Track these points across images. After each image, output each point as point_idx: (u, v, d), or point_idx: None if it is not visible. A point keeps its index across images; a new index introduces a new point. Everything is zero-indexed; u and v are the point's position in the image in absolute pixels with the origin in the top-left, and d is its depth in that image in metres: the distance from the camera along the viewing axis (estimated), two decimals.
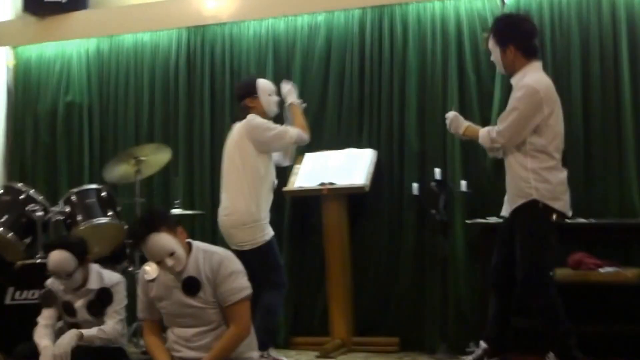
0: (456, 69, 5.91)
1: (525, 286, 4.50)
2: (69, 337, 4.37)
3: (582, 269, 5.17)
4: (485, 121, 5.76)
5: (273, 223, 6.22)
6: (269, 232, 5.36)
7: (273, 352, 5.34)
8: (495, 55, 4.72)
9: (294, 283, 6.22)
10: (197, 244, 4.09)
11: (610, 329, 5.17)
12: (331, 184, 5.91)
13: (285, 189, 6.09)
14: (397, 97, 6.08)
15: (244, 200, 5.27)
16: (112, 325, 4.49)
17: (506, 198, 4.72)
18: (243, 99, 5.48)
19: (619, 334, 5.19)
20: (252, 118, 5.38)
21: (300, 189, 6.04)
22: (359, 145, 6.14)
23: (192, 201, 6.63)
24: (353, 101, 6.22)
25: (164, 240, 3.91)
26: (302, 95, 6.31)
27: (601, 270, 5.13)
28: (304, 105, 5.68)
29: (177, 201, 6.22)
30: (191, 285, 3.96)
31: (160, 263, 3.96)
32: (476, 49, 5.87)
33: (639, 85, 5.48)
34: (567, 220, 5.29)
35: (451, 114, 4.95)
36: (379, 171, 6.03)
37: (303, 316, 6.26)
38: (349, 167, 5.98)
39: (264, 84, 5.56)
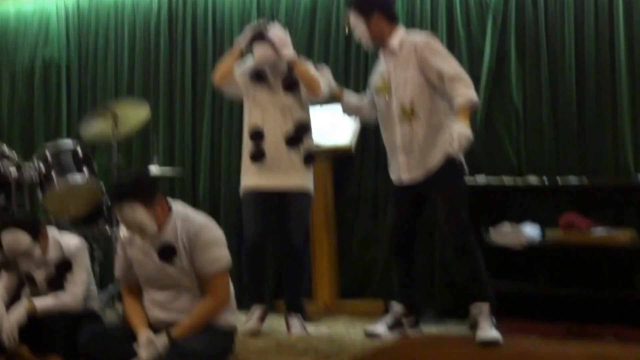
0: (446, 25, 5.73)
1: (460, 243, 4.52)
2: (18, 313, 4.26)
3: (573, 230, 5.01)
4: (474, 79, 5.57)
5: None
6: (242, 187, 5.03)
7: (252, 315, 5.08)
8: (360, 28, 4.71)
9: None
10: (177, 209, 3.97)
11: (601, 293, 5.02)
12: (315, 144, 5.73)
13: None
14: None
15: None
16: (72, 292, 4.35)
17: (411, 162, 4.62)
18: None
19: (610, 297, 5.04)
20: None
21: None
22: None
23: (172, 159, 6.47)
24: (339, 58, 6.04)
25: (135, 214, 3.80)
26: None
27: (593, 231, 4.96)
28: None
29: (156, 158, 6.04)
30: (167, 252, 3.88)
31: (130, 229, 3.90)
32: (466, 4, 5.69)
33: (634, 42, 5.30)
34: (559, 179, 5.20)
35: (455, 135, 4.34)
36: (365, 130, 5.85)
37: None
38: (334, 126, 5.80)
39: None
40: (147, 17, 6.69)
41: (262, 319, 5.03)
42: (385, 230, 5.77)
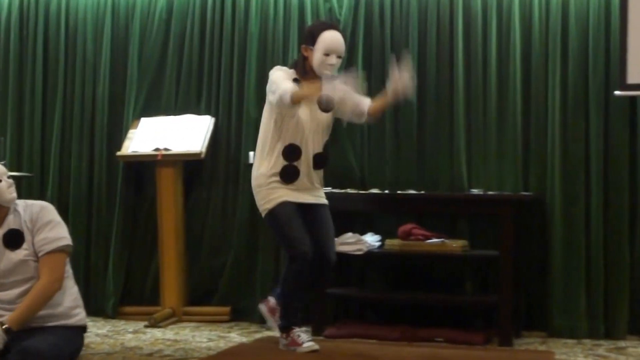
0: (297, 39, 5.86)
1: None
2: None
3: (410, 239, 5.28)
4: None
5: (105, 189, 6.14)
6: (273, 200, 4.39)
7: (299, 337, 4.44)
8: None
9: (126, 251, 6.11)
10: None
11: (435, 298, 5.31)
12: (166, 149, 5.80)
13: (118, 153, 5.95)
14: (237, 63, 6.01)
15: (255, 161, 4.55)
16: None
17: None
18: (301, 44, 4.64)
19: (442, 302, 5.34)
20: (274, 69, 4.59)
21: (134, 153, 5.89)
22: (197, 111, 6.05)
23: (20, 162, 6.35)
24: (192, 66, 6.10)
25: None
26: (140, 58, 6.19)
27: (429, 241, 5.25)
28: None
29: (3, 162, 5.93)
30: (13, 237, 3.78)
31: None
32: (318, 17, 5.86)
33: (471, 66, 5.61)
34: (399, 192, 5.46)
35: None
36: (217, 138, 5.97)
37: (133, 285, 6.14)
38: (185, 133, 5.88)
39: (325, 39, 4.41)
40: None
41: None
42: (233, 237, 5.90)
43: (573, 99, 5.42)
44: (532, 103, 5.51)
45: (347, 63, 5.71)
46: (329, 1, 5.86)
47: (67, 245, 3.82)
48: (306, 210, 4.45)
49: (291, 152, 4.42)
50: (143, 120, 6.07)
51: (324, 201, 4.55)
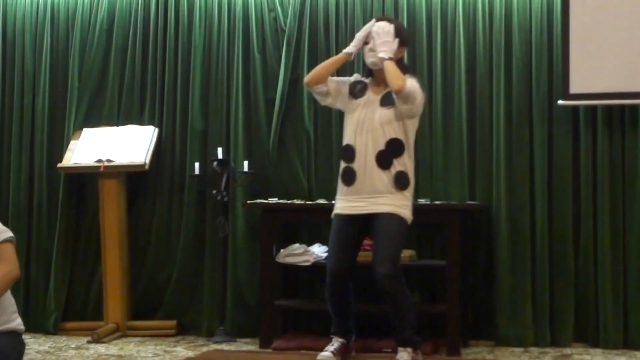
0: (242, 48, 5.85)
1: None
2: None
3: None
4: (269, 102, 5.78)
5: (46, 202, 6.03)
6: (334, 210, 4.44)
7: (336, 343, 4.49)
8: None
9: (67, 265, 5.99)
10: None
11: (382, 309, 5.26)
12: (109, 160, 5.71)
13: (59, 165, 5.83)
14: (181, 73, 5.95)
15: None
16: None
17: None
18: None
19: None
20: None
21: (75, 165, 5.78)
22: (141, 122, 5.96)
23: None
24: (135, 76, 6.01)
25: None
26: (81, 68, 6.09)
27: None
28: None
29: None
30: None
31: None
32: (262, 29, 5.85)
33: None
34: None
35: None
36: (161, 149, 5.90)
37: (76, 300, 6.01)
38: (128, 144, 5.80)
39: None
40: None
41: (339, 352, 4.45)
42: (178, 250, 5.82)
43: (517, 109, 5.49)
44: (477, 114, 5.56)
45: (293, 75, 5.73)
46: (273, 11, 5.84)
47: (13, 237, 3.79)
48: (365, 221, 4.35)
49: (346, 153, 4.38)
50: (85, 131, 5.96)
51: (385, 209, 4.29)
